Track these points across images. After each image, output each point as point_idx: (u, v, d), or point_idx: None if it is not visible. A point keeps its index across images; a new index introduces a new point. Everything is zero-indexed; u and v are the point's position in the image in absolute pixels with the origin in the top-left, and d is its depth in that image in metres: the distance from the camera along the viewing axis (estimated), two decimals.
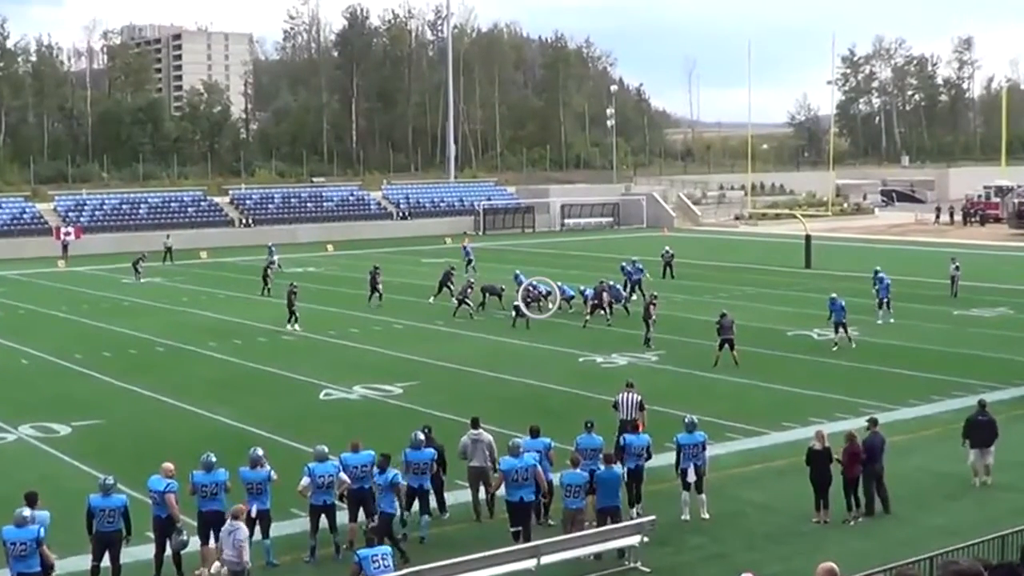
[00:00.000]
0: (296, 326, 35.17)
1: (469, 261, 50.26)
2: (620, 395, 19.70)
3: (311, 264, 57.12)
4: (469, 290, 38.03)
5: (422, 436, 16.47)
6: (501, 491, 16.12)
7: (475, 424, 17.39)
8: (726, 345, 28.69)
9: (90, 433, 22.92)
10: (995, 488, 18.44)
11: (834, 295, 32.09)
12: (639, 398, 19.52)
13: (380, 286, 40.61)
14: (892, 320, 34.51)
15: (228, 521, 14.03)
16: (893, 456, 17.97)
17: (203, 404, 25.22)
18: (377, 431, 20.48)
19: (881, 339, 32.60)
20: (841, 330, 30.86)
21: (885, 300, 35.36)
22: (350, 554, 14.25)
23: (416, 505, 16.25)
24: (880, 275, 37.21)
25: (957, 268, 41.93)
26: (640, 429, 18.86)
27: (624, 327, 34.93)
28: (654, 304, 32.35)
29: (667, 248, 49.79)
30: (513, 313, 35.88)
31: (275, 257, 49.38)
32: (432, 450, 16.47)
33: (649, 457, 17.31)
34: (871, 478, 17.07)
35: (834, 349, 30.55)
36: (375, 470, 15.47)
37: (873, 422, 17.68)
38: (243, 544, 13.77)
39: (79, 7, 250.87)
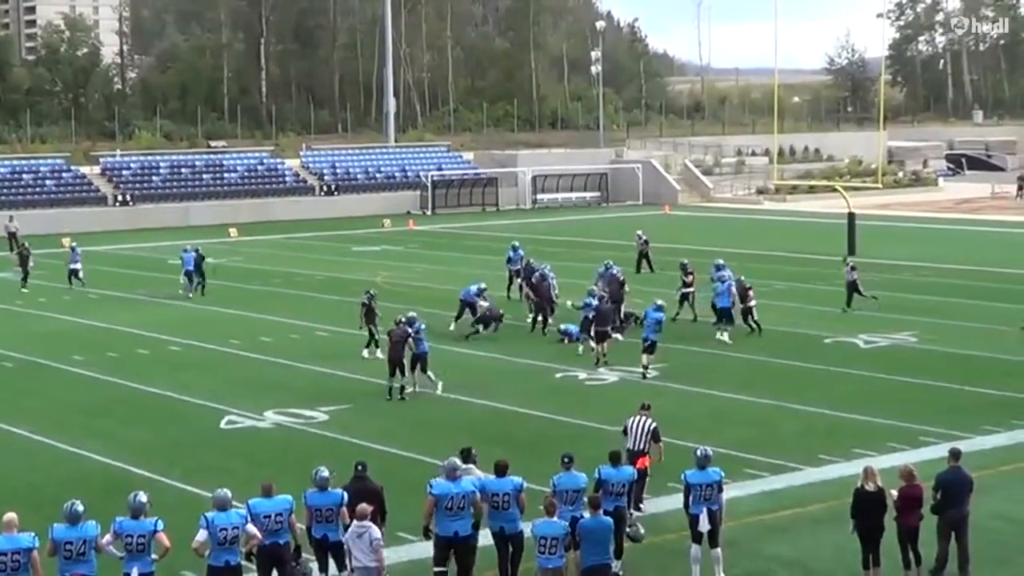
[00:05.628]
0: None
1: (74, 272, 45.88)
2: (631, 419, 19.80)
3: (208, 254, 56.65)
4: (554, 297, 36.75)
5: (326, 473, 16.42)
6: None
7: (467, 455, 17.54)
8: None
9: None
10: None
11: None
12: (654, 425, 19.61)
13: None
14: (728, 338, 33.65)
15: (353, 523, 15.08)
16: None
17: (66, 436, 24.98)
18: (295, 469, 20.37)
19: (948, 347, 32.82)
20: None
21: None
22: None
23: (331, 565, 16.26)
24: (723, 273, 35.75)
25: None
26: (647, 463, 19.16)
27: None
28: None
29: (639, 233, 49.39)
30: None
31: (191, 282, 43.60)
32: (341, 492, 16.43)
33: (631, 501, 17.59)
34: (948, 528, 17.03)
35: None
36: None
37: (955, 455, 17.62)
38: (380, 544, 15.00)
39: None
